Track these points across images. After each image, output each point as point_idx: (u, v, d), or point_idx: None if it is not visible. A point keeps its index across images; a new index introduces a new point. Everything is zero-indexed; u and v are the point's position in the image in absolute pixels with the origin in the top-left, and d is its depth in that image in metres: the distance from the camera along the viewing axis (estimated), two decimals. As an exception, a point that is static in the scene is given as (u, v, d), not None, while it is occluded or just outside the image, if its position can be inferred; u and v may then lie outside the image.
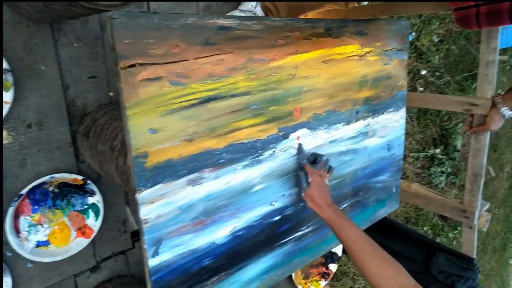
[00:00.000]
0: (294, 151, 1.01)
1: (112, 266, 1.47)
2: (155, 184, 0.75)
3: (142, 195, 0.73)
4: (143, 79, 0.71)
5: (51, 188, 1.27)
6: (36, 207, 1.24)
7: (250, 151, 0.91)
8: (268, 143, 0.94)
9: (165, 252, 0.79)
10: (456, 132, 4.04)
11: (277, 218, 1.01)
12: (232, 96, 0.85)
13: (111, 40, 0.66)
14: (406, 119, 3.65)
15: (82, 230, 1.34)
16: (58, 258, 1.26)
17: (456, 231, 4.04)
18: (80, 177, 1.28)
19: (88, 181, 1.31)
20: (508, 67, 4.39)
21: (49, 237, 1.28)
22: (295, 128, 1.00)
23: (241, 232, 0.92)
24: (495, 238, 4.72)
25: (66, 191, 1.31)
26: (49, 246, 1.27)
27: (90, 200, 1.35)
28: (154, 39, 0.71)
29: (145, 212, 0.74)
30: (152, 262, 0.77)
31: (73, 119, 1.31)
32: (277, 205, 1.00)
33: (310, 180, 0.98)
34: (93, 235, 1.34)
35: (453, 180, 4.04)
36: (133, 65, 0.69)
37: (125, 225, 1.48)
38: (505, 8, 1.07)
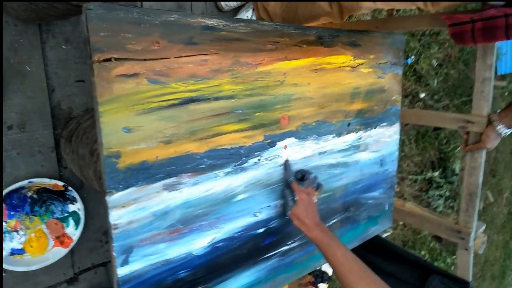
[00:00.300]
0: (281, 161, 0.97)
1: (91, 278, 1.41)
2: (128, 187, 0.71)
3: (112, 198, 0.69)
4: (119, 75, 0.67)
5: (29, 194, 1.22)
6: (12, 212, 1.19)
7: (234, 158, 0.87)
8: (253, 151, 0.90)
9: (136, 261, 0.73)
10: (454, 156, 4.02)
11: (261, 230, 0.95)
12: (216, 99, 0.81)
13: (86, 32, 0.63)
14: (404, 141, 3.63)
15: (61, 239, 1.28)
16: (33, 267, 1.20)
17: (454, 257, 3.95)
18: (61, 183, 1.24)
19: (70, 188, 1.26)
20: (507, 93, 4.40)
21: (25, 245, 1.22)
22: (282, 137, 0.96)
23: (221, 244, 0.87)
24: (494, 265, 4.62)
25: (45, 197, 1.26)
26: (24, 254, 1.21)
27: (71, 207, 1.29)
28: (133, 34, 0.68)
29: (115, 216, 0.70)
30: (121, 271, 0.72)
31: (58, 123, 1.28)
32: (261, 216, 0.95)
33: (296, 198, 0.94)
34: (72, 244, 1.28)
35: (451, 204, 3.98)
36: (108, 59, 0.66)
37: (107, 235, 1.43)
38: (501, 25, 1.06)
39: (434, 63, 3.79)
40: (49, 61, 1.24)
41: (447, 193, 3.93)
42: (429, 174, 3.90)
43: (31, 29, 1.18)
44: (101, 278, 1.43)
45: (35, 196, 1.24)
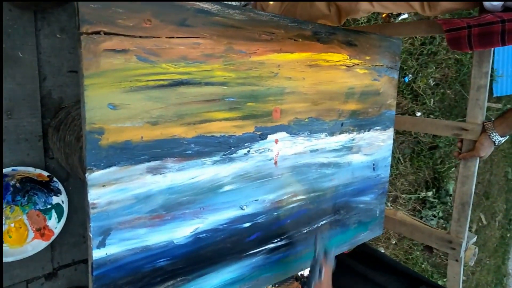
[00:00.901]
0: (271, 154, 0.95)
1: (71, 275, 1.36)
2: (110, 166, 0.68)
3: (92, 176, 0.66)
4: (107, 49, 0.66)
5: (12, 182, 1.19)
6: (-7, 200, 1.16)
7: (222, 147, 0.84)
8: (243, 141, 0.88)
9: (114, 244, 0.70)
10: (448, 176, 4.01)
11: (247, 224, 0.92)
12: (207, 84, 0.80)
13: (75, 1, 0.62)
14: (399, 159, 3.62)
15: (42, 231, 1.24)
16: (10, 259, 1.15)
17: (445, 279, 3.90)
18: (45, 173, 1.20)
19: (54, 179, 1.23)
20: (501, 115, 4.42)
21: (3, 235, 1.18)
22: (273, 130, 0.94)
23: (204, 235, 0.84)
24: (486, 290, 4.56)
25: (29, 187, 1.22)
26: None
27: (55, 199, 1.26)
28: (124, 9, 0.67)
29: (94, 195, 0.67)
30: (97, 254, 0.68)
31: (47, 112, 1.26)
32: (248, 210, 0.92)
33: (323, 271, 0.94)
34: (53, 238, 1.24)
35: (444, 225, 3.96)
36: (97, 32, 0.64)
37: (90, 231, 1.39)
38: (497, 31, 1.06)
39: (431, 82, 3.83)
40: (43, 49, 1.22)
41: (440, 214, 3.91)
42: (423, 194, 3.89)
43: (26, 15, 1.16)
44: (81, 276, 1.38)
45: (18, 185, 1.20)
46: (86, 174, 0.66)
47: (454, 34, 1.16)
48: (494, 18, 1.04)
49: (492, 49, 1.23)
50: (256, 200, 0.93)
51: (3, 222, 1.17)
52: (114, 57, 0.67)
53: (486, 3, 1.04)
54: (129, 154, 0.70)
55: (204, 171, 0.82)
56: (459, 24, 1.14)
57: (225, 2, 1.55)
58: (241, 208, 0.91)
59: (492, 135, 1.20)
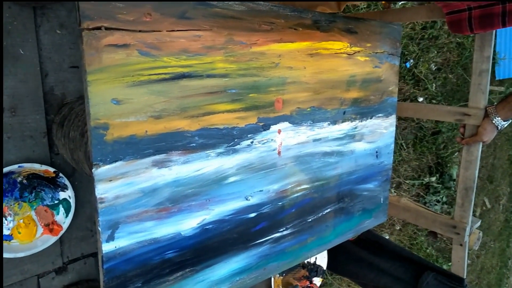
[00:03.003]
0: (275, 145, 0.95)
1: (81, 268, 1.38)
2: (116, 161, 0.69)
3: (99, 171, 0.67)
4: (109, 44, 0.66)
5: (19, 179, 1.20)
6: (1, 197, 1.17)
7: (226, 139, 0.85)
8: (246, 132, 0.89)
9: (122, 238, 0.71)
10: (452, 161, 4.01)
11: (252, 215, 0.93)
12: (209, 76, 0.80)
13: (76, -2, 0.62)
14: (402, 145, 3.61)
15: (50, 226, 1.26)
16: (21, 254, 1.17)
17: (450, 263, 3.92)
18: (51, 169, 1.22)
19: (60, 174, 1.24)
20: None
21: (13, 231, 1.20)
22: (276, 120, 0.94)
23: (211, 226, 0.85)
24: (490, 273, 4.59)
25: (35, 183, 1.23)
26: (12, 241, 1.19)
27: (62, 195, 1.27)
28: (124, 3, 0.67)
29: (101, 190, 0.68)
30: (106, 247, 0.70)
31: (50, 108, 1.26)
32: (253, 201, 0.93)
33: None
34: (62, 232, 1.26)
35: (448, 210, 3.97)
36: (98, 28, 0.64)
37: (97, 225, 1.40)
38: (497, 12, 1.05)
39: (433, 67, 3.80)
40: (43, 45, 1.22)
41: (444, 199, 3.92)
42: (426, 179, 3.89)
43: (25, 12, 1.16)
44: (91, 269, 1.41)
45: (25, 181, 1.21)
46: (93, 170, 0.67)
47: (455, 17, 1.16)
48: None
49: (494, 33, 1.22)
50: (261, 191, 0.94)
51: (12, 218, 1.19)
52: (116, 52, 0.67)
53: None
54: (134, 148, 0.71)
55: (208, 163, 0.83)
56: (459, 6, 1.13)
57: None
58: (246, 199, 0.91)
59: (495, 119, 1.20)
